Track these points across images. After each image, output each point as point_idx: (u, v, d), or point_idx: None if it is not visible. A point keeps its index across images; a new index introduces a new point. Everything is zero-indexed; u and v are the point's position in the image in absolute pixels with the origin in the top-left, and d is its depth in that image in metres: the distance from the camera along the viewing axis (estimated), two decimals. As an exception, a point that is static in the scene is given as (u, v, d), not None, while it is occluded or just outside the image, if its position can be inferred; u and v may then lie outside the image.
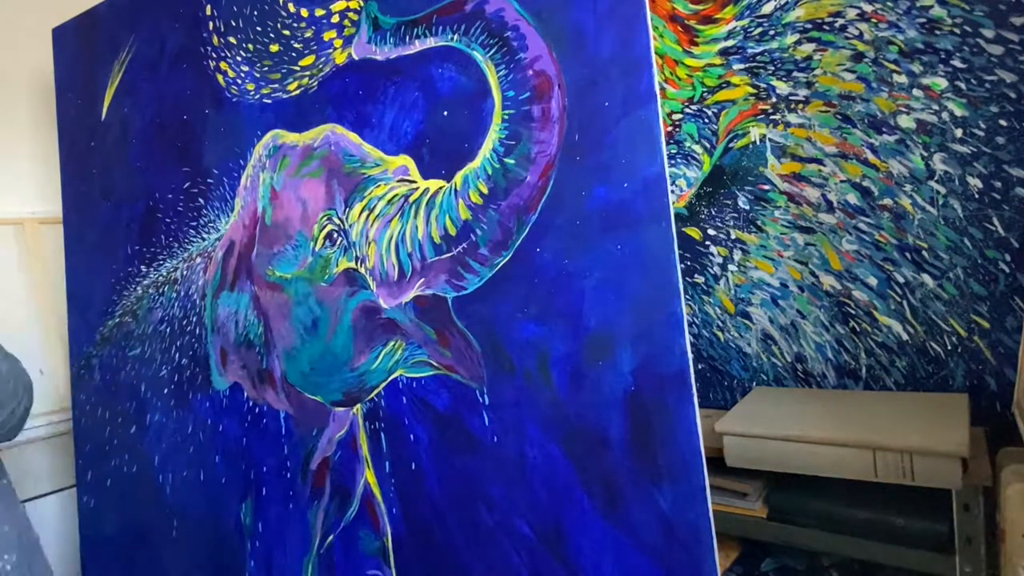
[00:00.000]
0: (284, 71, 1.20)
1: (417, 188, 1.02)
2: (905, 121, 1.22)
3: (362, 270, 1.08)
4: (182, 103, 1.37)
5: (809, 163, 1.32)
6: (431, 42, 1.00)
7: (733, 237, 1.43)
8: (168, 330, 1.41)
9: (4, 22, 1.66)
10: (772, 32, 1.33)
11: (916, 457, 0.99)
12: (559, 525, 0.89)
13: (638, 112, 0.81)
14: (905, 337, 1.26)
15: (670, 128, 1.48)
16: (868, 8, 1.23)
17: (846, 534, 1.07)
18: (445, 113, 0.99)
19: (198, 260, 1.36)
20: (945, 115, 1.18)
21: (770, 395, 1.35)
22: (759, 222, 1.39)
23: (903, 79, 1.21)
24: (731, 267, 1.44)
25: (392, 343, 1.06)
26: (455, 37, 0.97)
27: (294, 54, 1.19)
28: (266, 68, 1.23)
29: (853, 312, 1.31)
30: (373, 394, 1.09)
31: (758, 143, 1.37)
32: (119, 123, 1.50)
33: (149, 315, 1.45)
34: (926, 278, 1.23)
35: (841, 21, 1.26)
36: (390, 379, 1.06)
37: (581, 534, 0.87)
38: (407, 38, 1.03)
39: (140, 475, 1.45)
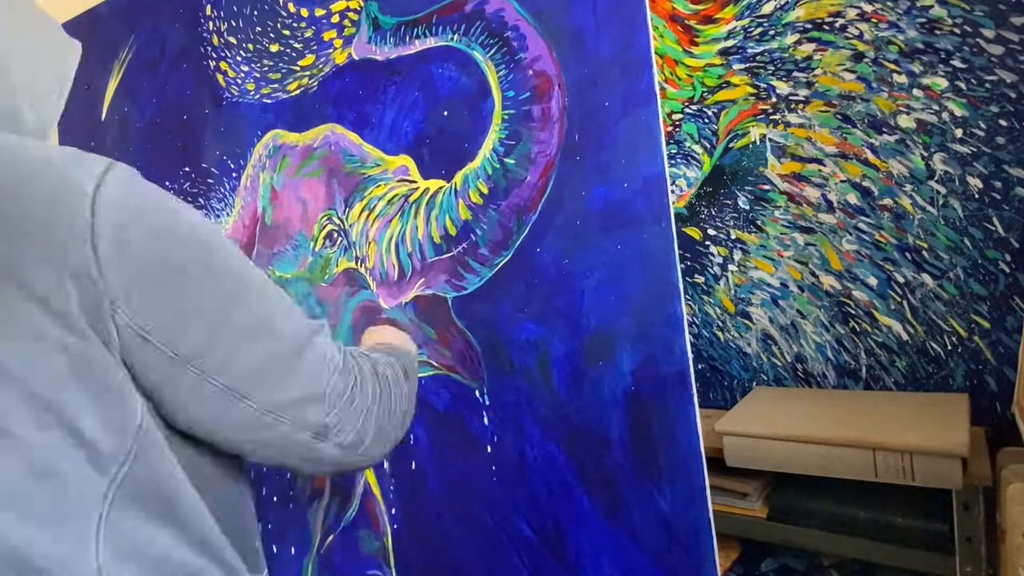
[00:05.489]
0: (284, 71, 1.20)
1: (417, 188, 1.02)
2: (905, 121, 1.22)
3: (362, 270, 1.08)
4: (182, 103, 1.37)
5: (809, 163, 1.32)
6: (431, 42, 1.00)
7: (733, 237, 1.43)
8: (168, 330, 1.41)
9: (4, 22, 1.65)
10: (772, 32, 1.33)
11: (916, 457, 0.99)
12: (559, 525, 0.89)
13: (638, 112, 0.81)
14: (905, 337, 1.26)
15: (670, 128, 1.48)
16: (868, 8, 1.23)
17: (846, 534, 1.07)
18: (445, 113, 0.99)
19: (198, 260, 1.36)
20: (945, 115, 1.18)
21: (770, 395, 1.35)
22: (759, 222, 1.39)
23: (903, 79, 1.21)
24: (731, 267, 1.44)
25: (392, 343, 1.06)
26: (455, 37, 0.97)
27: (294, 54, 1.18)
28: (266, 68, 1.23)
29: (853, 312, 1.31)
30: (373, 394, 1.09)
31: (758, 143, 1.37)
32: (119, 123, 1.50)
33: (149, 315, 1.45)
34: (926, 278, 1.23)
35: (841, 21, 1.26)
36: (390, 379, 1.06)
37: (581, 534, 0.87)
38: (407, 38, 1.03)
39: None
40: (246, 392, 0.59)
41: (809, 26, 1.29)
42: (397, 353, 0.82)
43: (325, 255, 1.13)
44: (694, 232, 1.48)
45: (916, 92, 1.20)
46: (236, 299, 0.59)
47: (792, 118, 1.33)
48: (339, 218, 1.11)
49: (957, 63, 1.17)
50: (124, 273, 0.52)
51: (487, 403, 0.95)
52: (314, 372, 0.63)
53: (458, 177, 0.97)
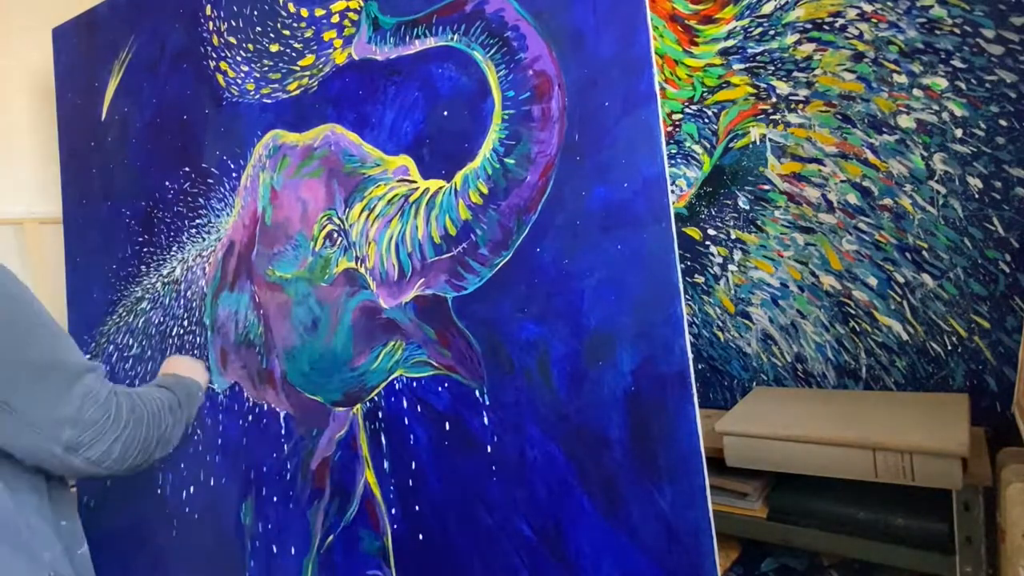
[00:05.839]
0: (284, 71, 1.20)
1: (417, 188, 1.02)
2: (905, 121, 1.22)
3: (362, 270, 1.08)
4: (182, 103, 1.37)
5: (809, 163, 1.32)
6: (431, 42, 1.00)
7: (733, 237, 1.43)
8: (168, 330, 1.41)
9: (3, 22, 1.65)
10: (772, 32, 1.33)
11: (916, 457, 0.99)
12: (559, 525, 0.89)
13: (638, 112, 0.81)
14: (905, 337, 1.26)
15: (670, 128, 1.48)
16: (868, 8, 1.23)
17: (846, 534, 1.07)
18: (445, 113, 0.99)
19: (198, 260, 1.36)
20: (945, 115, 1.18)
21: (770, 395, 1.35)
22: (759, 222, 1.39)
23: (903, 79, 1.21)
24: (731, 267, 1.44)
25: (392, 343, 1.06)
26: (455, 37, 0.97)
27: (294, 54, 1.19)
28: (266, 68, 1.23)
29: (853, 312, 1.31)
30: (373, 394, 1.09)
31: (758, 143, 1.37)
32: (119, 123, 1.50)
33: (149, 315, 1.45)
34: (926, 278, 1.23)
35: (841, 21, 1.26)
36: (390, 379, 1.06)
37: (581, 534, 0.87)
38: (407, 38, 1.03)
39: (140, 475, 1.45)
40: (15, 406, 0.81)
41: (809, 26, 1.29)
42: (178, 384, 1.13)
43: (325, 255, 1.13)
44: (694, 232, 1.48)
45: (916, 92, 1.20)
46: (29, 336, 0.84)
47: (792, 118, 1.33)
48: (339, 218, 1.11)
49: (957, 63, 1.17)
50: None
51: (487, 403, 0.95)
52: (77, 401, 0.86)
53: (458, 177, 0.97)
